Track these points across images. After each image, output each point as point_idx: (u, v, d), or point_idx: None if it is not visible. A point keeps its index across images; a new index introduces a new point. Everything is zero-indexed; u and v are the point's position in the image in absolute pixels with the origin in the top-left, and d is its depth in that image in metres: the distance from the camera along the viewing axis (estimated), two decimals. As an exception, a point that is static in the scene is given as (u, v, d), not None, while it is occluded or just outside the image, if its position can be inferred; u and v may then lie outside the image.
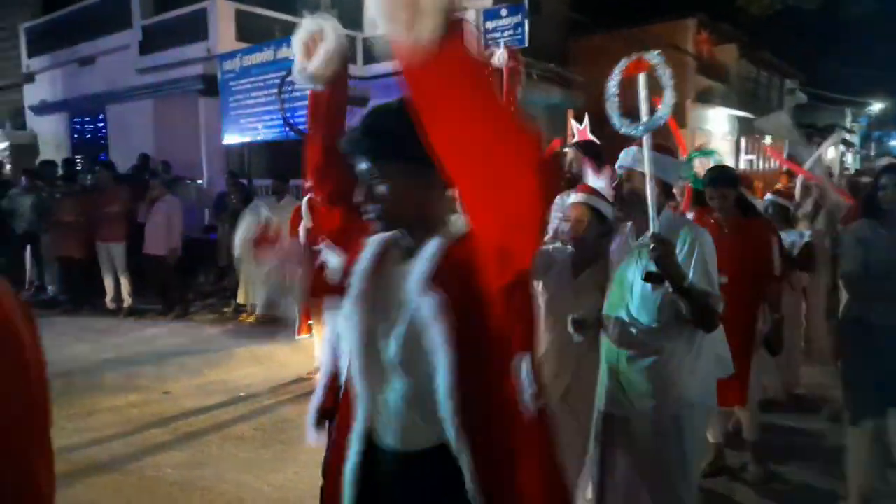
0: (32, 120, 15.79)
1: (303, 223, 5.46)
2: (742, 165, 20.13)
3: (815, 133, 25.44)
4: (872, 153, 34.08)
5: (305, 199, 5.52)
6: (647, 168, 2.22)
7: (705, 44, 19.29)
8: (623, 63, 2.31)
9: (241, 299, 8.07)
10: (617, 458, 2.44)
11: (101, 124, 14.46)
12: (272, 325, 7.46)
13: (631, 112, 2.27)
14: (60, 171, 10.31)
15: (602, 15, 16.46)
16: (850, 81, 27.46)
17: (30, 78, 15.69)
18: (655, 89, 2.26)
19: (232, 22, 11.35)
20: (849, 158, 32.54)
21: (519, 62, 3.36)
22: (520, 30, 11.26)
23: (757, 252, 3.55)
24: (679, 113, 18.18)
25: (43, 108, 15.15)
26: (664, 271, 2.10)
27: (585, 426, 2.61)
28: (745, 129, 21.23)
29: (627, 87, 2.31)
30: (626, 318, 2.37)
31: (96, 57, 13.89)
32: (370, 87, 14.09)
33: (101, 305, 8.40)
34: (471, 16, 11.53)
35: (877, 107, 32.81)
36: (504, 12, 11.50)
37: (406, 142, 1.24)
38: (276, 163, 10.87)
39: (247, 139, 10.15)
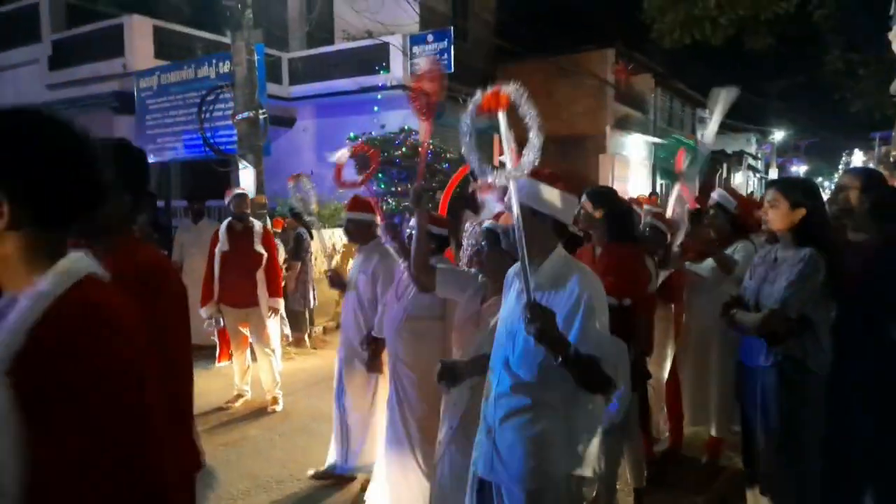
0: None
1: (219, 246, 5.32)
2: (658, 189, 21.16)
3: (724, 158, 27.09)
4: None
5: (225, 222, 5.40)
6: (514, 215, 1.90)
7: (623, 73, 20.20)
8: (477, 97, 1.96)
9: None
10: None
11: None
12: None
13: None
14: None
15: (527, 42, 16.99)
16: (755, 111, 29.43)
17: (-75, 90, 14.66)
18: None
19: (150, 38, 11.02)
20: (754, 183, 34.77)
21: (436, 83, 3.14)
22: (445, 55, 11.49)
23: (621, 281, 3.13)
24: (599, 139, 19.01)
25: (-61, 123, 14.15)
26: (543, 345, 1.86)
27: None
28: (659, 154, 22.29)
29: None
30: (504, 369, 2.11)
31: (1, 70, 13.15)
32: (296, 108, 13.99)
33: None
34: (397, 41, 11.69)
35: (778, 135, 35.24)
36: (430, 38, 11.71)
37: None
38: (196, 183, 10.57)
39: (165, 158, 9.82)
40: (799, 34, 8.84)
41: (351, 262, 4.56)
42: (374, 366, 3.74)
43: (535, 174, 2.06)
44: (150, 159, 9.88)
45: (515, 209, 1.91)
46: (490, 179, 1.98)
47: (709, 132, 4.52)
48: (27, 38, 12.39)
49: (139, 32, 10.95)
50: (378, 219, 3.82)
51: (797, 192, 2.66)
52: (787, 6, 7.30)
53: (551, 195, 2.06)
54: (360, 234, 3.90)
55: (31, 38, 12.31)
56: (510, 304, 2.17)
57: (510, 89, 1.90)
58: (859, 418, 2.56)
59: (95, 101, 11.17)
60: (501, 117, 1.92)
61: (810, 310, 2.50)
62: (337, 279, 4.13)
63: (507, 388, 2.10)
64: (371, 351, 3.71)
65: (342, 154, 3.38)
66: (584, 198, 3.37)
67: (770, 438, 2.65)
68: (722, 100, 4.54)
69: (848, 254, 2.68)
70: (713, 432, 4.08)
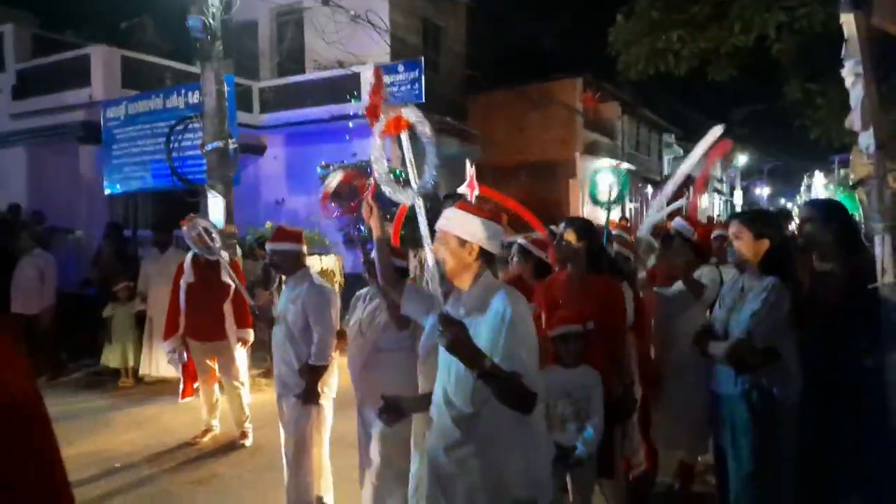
0: None
1: (184, 278, 5.23)
2: (627, 213, 21.49)
3: (690, 183, 27.74)
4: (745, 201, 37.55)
5: (190, 253, 5.30)
6: (424, 235, 2.06)
7: (591, 101, 20.63)
8: (381, 121, 2.14)
9: (114, 363, 7.33)
10: None
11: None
12: (157, 385, 7.00)
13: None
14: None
15: (498, 73, 17.27)
16: (719, 136, 30.25)
17: None
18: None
19: (117, 68, 10.91)
20: (719, 205, 35.59)
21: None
22: (416, 85, 11.59)
23: (603, 312, 3.23)
24: (569, 165, 19.29)
25: None
26: (457, 357, 1.91)
27: None
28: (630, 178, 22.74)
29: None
30: (443, 400, 2.14)
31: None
32: (267, 136, 13.94)
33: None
34: (368, 71, 11.76)
35: (742, 159, 36.19)
36: (401, 68, 11.81)
37: None
38: (164, 213, 10.42)
39: (132, 189, 9.68)
40: (759, 65, 9.12)
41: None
42: (310, 397, 3.60)
43: (462, 206, 2.20)
44: (117, 189, 9.77)
45: (423, 228, 2.05)
46: (397, 198, 2.15)
47: (688, 162, 4.93)
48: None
49: (106, 62, 10.83)
50: (304, 248, 3.84)
51: (760, 223, 2.73)
52: (745, 39, 7.54)
53: (476, 224, 2.14)
54: (286, 264, 3.81)
55: (-5, 67, 12.11)
56: None
57: (409, 112, 2.08)
58: (831, 446, 2.58)
59: (61, 131, 10.99)
60: (404, 138, 2.08)
61: (776, 339, 2.53)
62: (262, 313, 4.00)
63: (447, 420, 2.11)
64: (309, 381, 3.59)
65: (333, 179, 3.41)
66: (563, 227, 3.41)
67: (741, 466, 2.66)
68: (707, 137, 4.94)
69: (815, 283, 2.73)
70: (684, 457, 4.09)
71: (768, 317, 2.53)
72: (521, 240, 4.14)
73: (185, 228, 4.37)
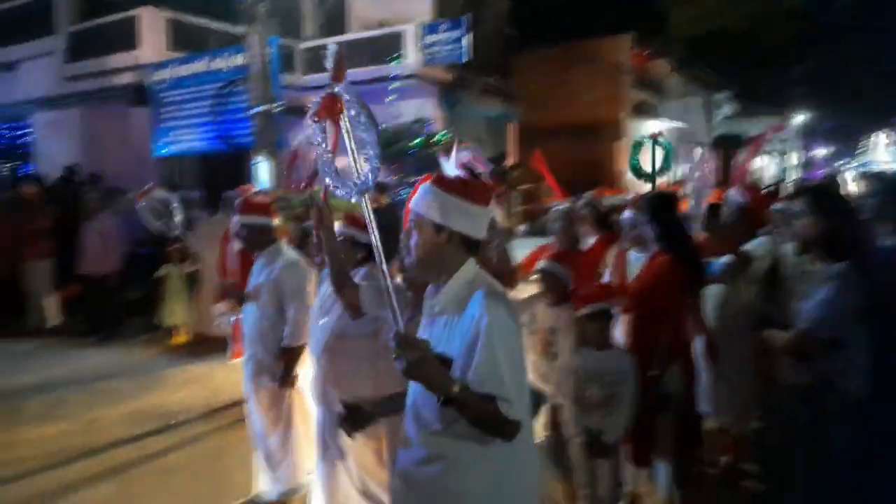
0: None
1: (232, 243, 5.29)
2: (679, 174, 20.94)
3: (738, 144, 26.73)
4: (803, 161, 36.04)
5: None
6: (372, 236, 1.77)
7: (640, 59, 19.93)
8: (314, 106, 1.88)
9: (168, 321, 7.56)
10: None
11: (22, 132, 13.77)
12: (207, 343, 7.24)
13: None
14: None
15: (541, 30, 16.80)
16: (774, 96, 28.93)
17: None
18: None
19: (163, 31, 11.05)
20: (775, 167, 34.23)
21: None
22: (460, 44, 11.38)
23: (654, 292, 3.09)
24: (616, 126, 18.78)
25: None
26: (417, 382, 1.69)
27: None
28: (679, 139, 22.03)
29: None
30: (412, 410, 1.88)
31: (18, 62, 13.24)
32: (312, 97, 13.99)
33: (24, 327, 7.97)
34: (411, 30, 11.62)
35: (799, 118, 34.60)
36: (443, 27, 11.60)
37: None
38: (210, 175, 10.63)
39: (179, 151, 9.88)
40: (819, 24, 8.67)
41: None
42: (287, 380, 3.40)
43: (440, 183, 1.84)
44: (166, 152, 9.99)
45: (371, 231, 1.78)
46: (341, 193, 1.87)
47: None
48: (43, 30, 12.44)
49: (152, 24, 10.98)
50: (273, 221, 3.55)
51: (826, 202, 2.56)
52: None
53: (458, 207, 1.79)
54: (256, 240, 3.50)
55: (47, 29, 12.37)
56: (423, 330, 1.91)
57: (342, 90, 1.81)
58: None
59: (112, 94, 11.25)
60: (343, 123, 1.81)
61: (843, 330, 2.40)
62: (232, 291, 3.85)
63: (415, 433, 1.86)
64: (285, 364, 3.38)
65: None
66: (630, 208, 3.45)
67: (793, 452, 2.59)
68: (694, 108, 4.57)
69: (881, 260, 2.57)
70: (732, 431, 4.00)
71: (836, 306, 2.38)
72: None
73: (140, 204, 4.06)
